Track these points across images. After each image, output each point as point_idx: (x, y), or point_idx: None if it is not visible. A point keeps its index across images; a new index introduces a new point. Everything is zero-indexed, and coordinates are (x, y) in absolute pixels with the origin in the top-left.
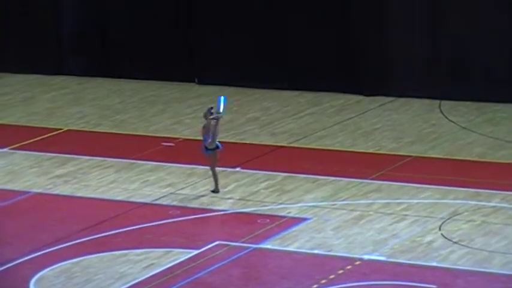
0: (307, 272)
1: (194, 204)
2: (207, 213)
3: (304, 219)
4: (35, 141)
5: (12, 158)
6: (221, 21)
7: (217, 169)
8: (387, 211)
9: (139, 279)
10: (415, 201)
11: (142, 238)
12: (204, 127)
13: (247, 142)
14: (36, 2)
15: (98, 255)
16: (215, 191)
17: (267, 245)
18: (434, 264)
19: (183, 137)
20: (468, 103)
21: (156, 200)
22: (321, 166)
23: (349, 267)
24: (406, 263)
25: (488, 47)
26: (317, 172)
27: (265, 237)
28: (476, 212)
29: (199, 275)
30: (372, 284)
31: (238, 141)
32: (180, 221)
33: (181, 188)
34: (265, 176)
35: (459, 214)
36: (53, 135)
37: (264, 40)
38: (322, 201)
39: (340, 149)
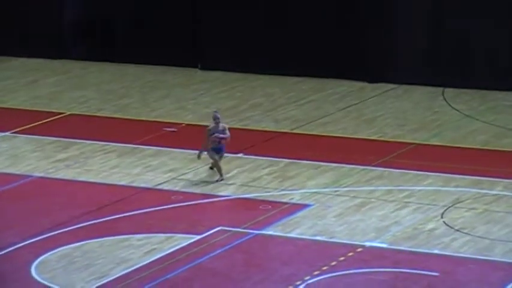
0: (309, 259)
1: (196, 189)
2: (209, 198)
3: (307, 206)
4: (37, 125)
5: (15, 141)
6: (224, 7)
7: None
8: (389, 198)
9: (141, 264)
10: (418, 188)
11: (144, 223)
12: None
13: (250, 128)
14: None
15: (99, 239)
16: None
17: (269, 231)
18: (436, 251)
19: (186, 122)
20: (471, 91)
21: (159, 185)
22: (324, 152)
23: (350, 254)
24: (408, 251)
25: (491, 34)
26: (320, 158)
27: (267, 224)
28: (479, 200)
29: (201, 260)
30: (373, 271)
31: (241, 127)
32: (182, 206)
33: (184, 173)
34: (267, 162)
35: (461, 202)
36: (55, 119)
37: (267, 26)
38: (324, 188)
39: (343, 135)
